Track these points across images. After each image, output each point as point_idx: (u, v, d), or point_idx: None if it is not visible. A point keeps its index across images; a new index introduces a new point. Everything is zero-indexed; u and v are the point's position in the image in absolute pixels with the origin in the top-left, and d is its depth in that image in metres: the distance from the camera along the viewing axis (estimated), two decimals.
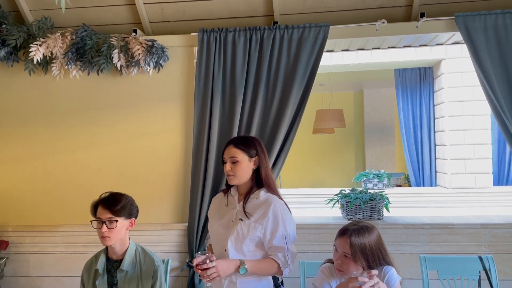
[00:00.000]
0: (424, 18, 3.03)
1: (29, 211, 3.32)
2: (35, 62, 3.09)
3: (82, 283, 2.29)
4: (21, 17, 3.38)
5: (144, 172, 3.24)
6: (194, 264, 1.97)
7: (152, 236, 3.18)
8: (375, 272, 1.78)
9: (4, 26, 3.20)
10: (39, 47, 3.09)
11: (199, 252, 2.03)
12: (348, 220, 3.18)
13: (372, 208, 3.14)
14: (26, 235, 3.29)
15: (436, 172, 5.19)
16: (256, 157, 2.12)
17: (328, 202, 3.32)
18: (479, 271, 2.50)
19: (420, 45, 3.43)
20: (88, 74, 3.21)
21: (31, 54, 3.06)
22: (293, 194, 4.53)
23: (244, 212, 2.09)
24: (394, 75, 5.42)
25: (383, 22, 3.04)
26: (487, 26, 2.93)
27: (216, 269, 1.95)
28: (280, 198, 2.15)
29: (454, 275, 2.52)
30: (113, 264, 2.24)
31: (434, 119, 5.19)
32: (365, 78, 7.60)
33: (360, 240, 1.92)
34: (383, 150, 7.97)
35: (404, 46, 3.44)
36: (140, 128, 3.26)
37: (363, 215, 3.14)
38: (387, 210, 3.22)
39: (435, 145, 5.19)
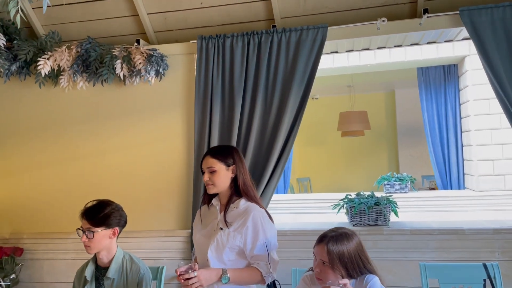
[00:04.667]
0: (427, 15, 2.90)
1: (42, 219, 3.45)
2: (43, 75, 3.22)
3: None
4: (33, 32, 3.53)
5: (149, 179, 3.30)
6: (177, 273, 1.97)
7: (157, 243, 3.22)
8: (345, 281, 1.71)
9: (15, 41, 3.35)
10: (47, 61, 3.21)
11: (182, 262, 2.04)
12: (353, 226, 3.08)
13: (377, 213, 3.02)
14: (39, 242, 3.42)
15: (464, 174, 4.94)
16: (234, 165, 2.13)
17: (334, 208, 3.24)
18: (484, 280, 2.35)
19: (429, 42, 3.28)
20: (94, 85, 3.31)
21: (39, 67, 3.19)
22: (305, 199, 4.45)
23: (225, 221, 2.08)
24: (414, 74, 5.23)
25: (383, 21, 2.93)
26: (494, 20, 2.76)
27: (198, 279, 1.95)
28: (261, 206, 2.14)
29: (456, 284, 2.38)
30: (101, 271, 2.28)
31: (461, 118, 4.96)
32: (396, 78, 7.39)
33: (337, 247, 1.85)
34: (417, 152, 7.69)
35: (412, 44, 3.31)
36: (143, 135, 3.32)
37: (368, 220, 3.04)
38: (396, 214, 3.09)
39: (462, 146, 4.95)
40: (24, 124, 3.51)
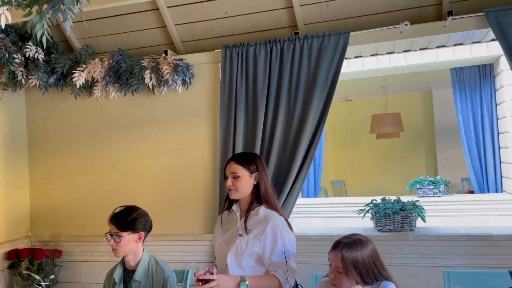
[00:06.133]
0: (452, 17, 2.85)
1: (79, 222, 3.63)
2: (78, 86, 3.39)
3: None
4: (69, 46, 3.72)
5: (176, 185, 3.41)
6: (196, 277, 2.05)
7: (185, 246, 3.32)
8: (358, 287, 1.73)
9: (53, 55, 3.55)
10: (81, 73, 3.38)
11: (200, 266, 2.12)
12: (378, 231, 3.07)
13: (403, 218, 3.00)
14: (77, 245, 3.61)
15: (501, 177, 4.78)
16: (257, 172, 2.19)
17: (359, 213, 3.23)
18: (510, 287, 2.29)
19: (456, 44, 3.22)
20: (125, 95, 3.45)
21: (74, 79, 3.37)
22: (335, 203, 4.44)
23: (245, 227, 2.14)
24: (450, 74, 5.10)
25: (406, 25, 2.91)
26: None
27: (217, 283, 2.02)
28: (281, 214, 2.19)
29: None
30: (128, 274, 2.39)
31: (497, 119, 4.80)
32: (433, 78, 7.22)
33: (352, 254, 1.87)
34: (456, 154, 7.46)
35: (438, 47, 3.26)
36: (171, 142, 3.44)
37: (394, 226, 3.01)
38: (423, 219, 3.05)
39: (499, 148, 4.79)
40: (61, 133, 3.72)
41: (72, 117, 3.70)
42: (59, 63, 3.48)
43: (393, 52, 3.41)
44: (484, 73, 4.88)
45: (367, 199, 3.36)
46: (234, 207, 2.25)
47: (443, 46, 3.26)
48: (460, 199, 4.63)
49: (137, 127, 3.54)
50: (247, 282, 2.05)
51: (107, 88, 3.43)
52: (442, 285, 2.78)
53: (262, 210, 2.16)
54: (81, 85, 3.40)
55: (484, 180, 4.90)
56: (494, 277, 2.34)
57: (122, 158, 3.57)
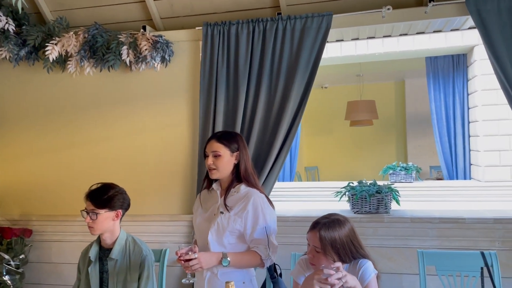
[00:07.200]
0: (433, 3, 2.88)
1: (50, 201, 3.53)
2: (51, 60, 3.27)
3: (78, 270, 2.42)
4: (42, 18, 3.58)
5: (154, 164, 3.35)
6: (178, 255, 2.02)
7: (162, 227, 3.28)
8: (338, 264, 1.74)
9: (24, 27, 3.40)
10: (55, 46, 3.26)
11: (182, 244, 2.09)
12: (355, 213, 3.11)
13: (379, 201, 3.05)
14: (48, 224, 3.51)
15: (470, 164, 4.92)
16: (238, 152, 2.16)
17: (336, 195, 3.26)
18: (481, 268, 2.36)
19: (435, 31, 3.27)
20: (101, 71, 3.35)
21: (47, 53, 3.24)
22: (310, 187, 4.48)
23: (225, 205, 2.12)
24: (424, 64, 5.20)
25: (389, 9, 2.92)
26: (501, 8, 2.73)
27: (198, 261, 2.00)
28: (262, 192, 2.18)
29: (454, 271, 2.41)
30: (104, 252, 2.34)
31: (468, 109, 4.92)
32: (406, 68, 7.34)
33: (330, 234, 1.88)
34: (426, 142, 7.65)
35: (418, 33, 3.30)
36: (149, 121, 3.37)
37: (370, 208, 3.06)
38: (397, 203, 3.11)
39: (469, 136, 4.93)
40: (32, 109, 3.58)
41: (44, 92, 3.56)
42: (31, 35, 3.34)
43: (373, 37, 3.42)
44: (457, 62, 4.99)
45: (343, 184, 3.40)
46: (214, 185, 2.22)
47: (422, 32, 3.29)
48: (431, 185, 4.76)
49: (112, 105, 3.44)
50: (228, 259, 2.04)
51: (82, 63, 3.31)
52: (414, 265, 2.87)
53: (243, 187, 2.15)
54: (54, 59, 3.28)
55: (454, 167, 5.04)
56: (467, 258, 2.42)
57: (97, 136, 3.47)
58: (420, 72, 7.29)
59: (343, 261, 1.88)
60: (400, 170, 4.72)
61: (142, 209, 3.23)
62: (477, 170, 4.60)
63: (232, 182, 2.17)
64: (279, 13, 3.13)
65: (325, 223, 1.89)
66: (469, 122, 4.92)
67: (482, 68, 4.43)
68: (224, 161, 2.14)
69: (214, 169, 2.14)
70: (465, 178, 4.94)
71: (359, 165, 7.97)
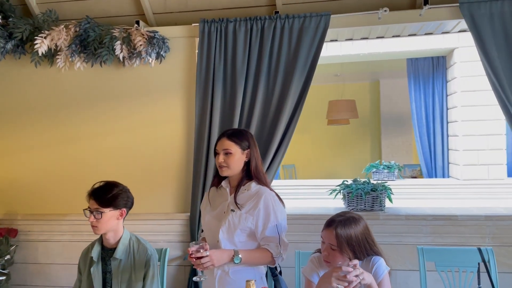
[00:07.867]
0: (428, 6, 2.96)
1: (36, 200, 3.40)
2: (40, 54, 3.15)
3: (79, 271, 2.36)
4: (28, 10, 3.44)
5: (148, 162, 3.29)
6: (189, 253, 2.00)
7: (156, 226, 3.22)
8: (355, 261, 1.77)
9: (11, 19, 3.27)
10: (44, 40, 3.14)
11: (193, 242, 2.07)
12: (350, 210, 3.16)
13: (374, 198, 3.11)
14: (34, 224, 3.38)
15: (448, 163, 5.09)
16: (249, 149, 2.16)
17: (331, 193, 3.31)
18: (478, 263, 2.45)
19: (426, 34, 3.35)
20: (92, 66, 3.26)
21: (36, 46, 3.12)
22: (300, 185, 4.52)
23: (236, 203, 2.11)
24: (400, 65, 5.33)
25: (385, 11, 2.98)
26: (493, 13, 2.83)
27: (210, 258, 1.99)
28: (271, 190, 2.18)
29: (452, 267, 2.48)
30: (107, 252, 2.29)
31: (447, 109, 5.09)
32: (381, 69, 7.50)
33: (346, 231, 1.90)
34: (400, 141, 7.86)
35: (410, 35, 3.38)
36: (142, 118, 3.30)
37: (365, 206, 3.12)
38: (390, 201, 3.18)
39: (447, 136, 5.09)
40: (19, 104, 3.44)
41: (31, 87, 3.43)
42: (18, 28, 3.20)
43: (367, 38, 3.48)
44: (437, 64, 5.15)
45: (326, 182, 3.44)
46: (224, 183, 2.21)
47: (414, 34, 3.37)
48: (413, 183, 4.90)
49: (103, 101, 3.35)
50: (240, 256, 2.03)
51: (72, 58, 3.21)
52: (408, 261, 2.95)
53: (254, 185, 2.15)
54: (43, 53, 3.17)
55: (433, 166, 5.20)
56: (464, 254, 2.50)
57: (87, 133, 3.37)
58: (396, 73, 7.49)
59: (357, 258, 1.90)
60: (383, 168, 4.82)
61: (135, 208, 3.12)
62: (456, 168, 4.77)
63: (242, 179, 2.17)
64: (277, 12, 3.14)
65: (341, 221, 1.92)
66: (447, 122, 5.08)
67: (461, 70, 4.59)
68: (235, 158, 2.13)
69: (225, 166, 2.13)
70: (443, 176, 5.11)
71: (335, 163, 8.09)
